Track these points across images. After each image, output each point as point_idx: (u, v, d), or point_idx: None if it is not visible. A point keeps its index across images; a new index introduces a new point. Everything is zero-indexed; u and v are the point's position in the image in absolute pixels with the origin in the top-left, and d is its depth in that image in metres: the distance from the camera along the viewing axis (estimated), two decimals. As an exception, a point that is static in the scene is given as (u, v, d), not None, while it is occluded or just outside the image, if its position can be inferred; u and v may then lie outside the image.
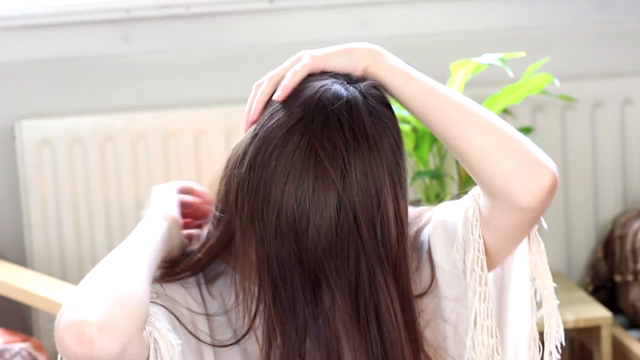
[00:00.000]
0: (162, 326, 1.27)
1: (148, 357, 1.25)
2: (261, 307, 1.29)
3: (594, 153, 2.87)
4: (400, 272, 1.29)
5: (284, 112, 1.29)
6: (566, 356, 2.86)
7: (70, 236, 2.74)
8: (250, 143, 1.30)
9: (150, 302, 1.30)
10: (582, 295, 2.67)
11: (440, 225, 1.35)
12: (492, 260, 1.32)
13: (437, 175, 2.43)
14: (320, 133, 1.26)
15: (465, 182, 2.47)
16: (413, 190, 2.75)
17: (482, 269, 1.30)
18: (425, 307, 1.36)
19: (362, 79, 1.36)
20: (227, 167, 1.33)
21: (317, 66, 1.37)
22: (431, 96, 1.31)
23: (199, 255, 1.38)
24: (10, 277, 2.45)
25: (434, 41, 2.86)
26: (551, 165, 1.27)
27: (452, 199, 2.50)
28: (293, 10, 2.81)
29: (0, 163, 2.81)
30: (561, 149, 2.86)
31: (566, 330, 2.74)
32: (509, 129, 1.30)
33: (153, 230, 1.38)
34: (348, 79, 1.34)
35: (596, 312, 2.54)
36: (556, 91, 2.62)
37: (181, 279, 1.38)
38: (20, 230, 2.81)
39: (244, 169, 1.28)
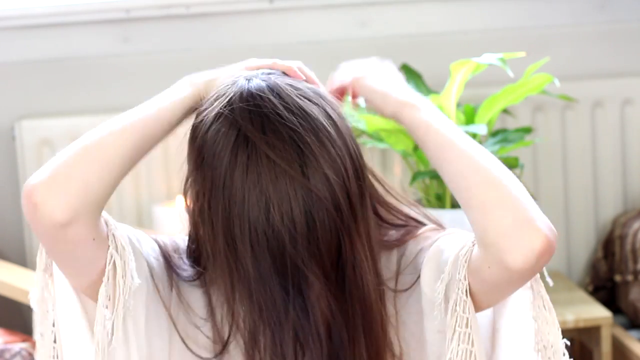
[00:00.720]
0: (128, 260, 1.30)
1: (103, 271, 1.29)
2: (241, 313, 1.30)
3: (594, 153, 2.87)
4: (368, 229, 1.33)
5: (222, 130, 1.31)
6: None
7: (70, 236, 2.74)
8: (197, 171, 1.34)
9: (142, 256, 1.35)
10: (582, 295, 2.67)
11: (436, 253, 1.36)
12: (477, 303, 1.31)
13: (437, 175, 2.43)
14: (262, 134, 1.28)
15: (465, 182, 2.47)
16: (413, 190, 2.75)
17: (463, 311, 1.29)
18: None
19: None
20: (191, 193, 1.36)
21: (355, 90, 1.46)
22: (447, 148, 1.33)
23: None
24: (10, 277, 2.45)
25: (434, 41, 2.86)
26: (547, 229, 1.26)
27: (451, 199, 2.51)
28: (293, 10, 2.81)
29: (0, 163, 2.81)
30: (561, 149, 2.86)
31: (566, 330, 2.75)
32: (514, 187, 1.30)
33: (168, 96, 1.48)
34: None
35: (596, 312, 2.54)
36: (556, 91, 2.62)
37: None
38: (20, 230, 2.81)
39: (204, 200, 1.31)
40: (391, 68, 1.49)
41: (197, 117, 1.37)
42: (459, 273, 1.29)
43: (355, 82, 1.46)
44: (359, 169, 1.32)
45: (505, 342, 1.34)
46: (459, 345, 1.29)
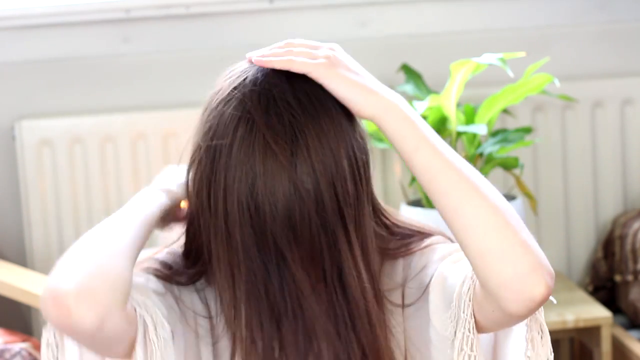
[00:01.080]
0: (155, 311, 1.28)
1: (135, 339, 1.26)
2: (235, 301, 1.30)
3: (594, 153, 2.87)
4: (363, 234, 1.30)
5: (232, 105, 1.32)
6: (566, 356, 2.86)
7: (70, 236, 2.74)
8: (203, 139, 1.35)
9: (155, 293, 1.31)
10: (582, 295, 2.67)
11: (440, 281, 1.33)
12: (481, 329, 1.30)
13: (437, 175, 2.43)
14: (265, 115, 1.28)
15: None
16: (413, 190, 2.75)
17: (471, 349, 1.27)
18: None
19: None
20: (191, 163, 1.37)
21: (323, 80, 1.30)
22: (439, 175, 1.26)
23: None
24: (10, 277, 2.45)
25: (434, 41, 2.86)
26: (547, 275, 1.23)
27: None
28: (293, 10, 2.81)
29: (0, 163, 2.81)
30: (561, 149, 2.86)
31: (566, 330, 2.75)
32: (514, 230, 1.24)
33: (147, 203, 1.37)
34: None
35: (596, 312, 2.54)
36: (556, 91, 2.62)
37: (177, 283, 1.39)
38: (20, 230, 2.81)
39: (206, 163, 1.32)
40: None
41: (212, 92, 1.39)
42: (463, 312, 1.27)
43: (323, 73, 1.31)
44: (358, 173, 1.29)
45: None
46: None
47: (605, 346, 2.52)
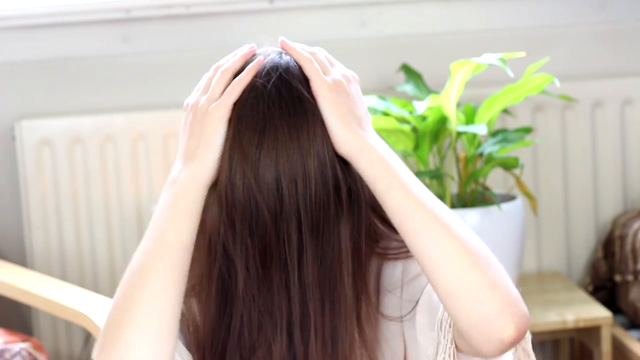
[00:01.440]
0: None
1: None
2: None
3: (594, 153, 2.87)
4: (324, 237, 1.29)
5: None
6: (566, 356, 2.86)
7: (70, 236, 2.74)
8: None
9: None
10: (582, 295, 2.67)
11: (427, 300, 1.33)
12: (464, 354, 1.30)
13: (437, 175, 2.43)
14: (242, 104, 1.31)
15: (465, 183, 2.47)
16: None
17: None
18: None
19: None
20: None
21: (318, 97, 1.31)
22: (409, 216, 1.25)
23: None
24: (10, 277, 2.45)
25: (434, 41, 2.86)
26: (517, 317, 1.22)
27: (451, 199, 2.51)
28: (293, 10, 2.81)
29: (0, 163, 2.81)
30: (561, 149, 2.86)
31: (566, 330, 2.75)
32: (484, 270, 1.22)
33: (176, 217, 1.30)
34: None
35: (596, 312, 2.54)
36: (556, 91, 2.62)
37: None
38: (20, 230, 2.81)
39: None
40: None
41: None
42: (444, 337, 1.27)
43: (319, 90, 1.32)
44: (333, 177, 1.29)
45: None
46: None
47: (605, 346, 2.52)
